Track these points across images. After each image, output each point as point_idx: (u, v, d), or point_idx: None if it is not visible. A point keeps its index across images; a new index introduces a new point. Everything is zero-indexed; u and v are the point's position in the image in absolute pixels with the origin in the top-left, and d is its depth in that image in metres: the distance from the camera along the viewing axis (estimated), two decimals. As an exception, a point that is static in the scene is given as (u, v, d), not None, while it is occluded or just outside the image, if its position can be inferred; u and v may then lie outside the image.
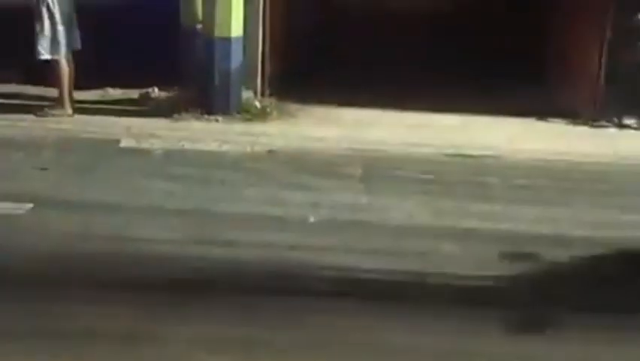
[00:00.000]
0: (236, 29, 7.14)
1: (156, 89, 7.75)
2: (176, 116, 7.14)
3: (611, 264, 4.40)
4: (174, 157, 6.11)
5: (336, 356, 3.23)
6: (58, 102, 7.06)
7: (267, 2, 7.58)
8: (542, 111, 7.72)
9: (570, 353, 3.39)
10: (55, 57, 6.96)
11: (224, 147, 6.40)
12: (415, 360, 3.22)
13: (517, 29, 8.86)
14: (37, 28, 6.90)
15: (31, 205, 4.80)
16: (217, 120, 7.13)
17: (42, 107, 7.10)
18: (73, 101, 7.18)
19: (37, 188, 5.15)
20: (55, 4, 6.91)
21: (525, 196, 5.54)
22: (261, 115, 7.31)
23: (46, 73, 7.16)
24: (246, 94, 7.47)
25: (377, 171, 5.95)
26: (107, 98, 7.55)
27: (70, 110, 7.07)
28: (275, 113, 7.41)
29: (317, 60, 8.59)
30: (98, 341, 3.24)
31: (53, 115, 6.98)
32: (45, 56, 6.93)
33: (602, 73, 7.71)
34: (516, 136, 7.12)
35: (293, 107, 7.58)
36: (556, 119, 7.66)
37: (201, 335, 3.32)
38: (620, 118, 7.59)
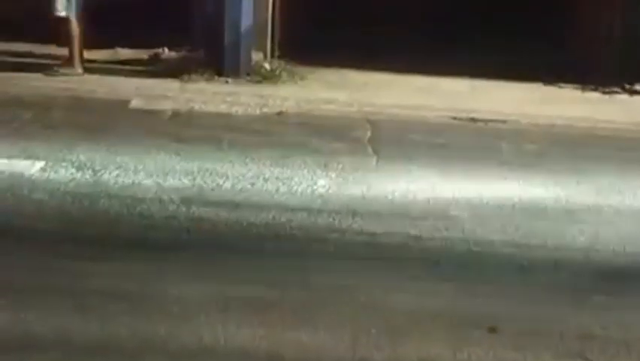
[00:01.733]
0: (247, -13, 7.10)
1: (166, 50, 7.73)
2: (185, 77, 7.13)
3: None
4: (183, 118, 6.12)
5: (342, 316, 3.26)
6: (68, 61, 7.06)
7: (277, -40, 7.52)
8: (552, 76, 7.67)
9: (576, 316, 3.42)
10: (68, 15, 6.95)
11: (234, 109, 6.39)
12: (419, 321, 3.25)
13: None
14: None
15: (41, 164, 4.82)
16: (227, 82, 7.11)
17: (51, 65, 7.09)
18: (83, 61, 7.17)
19: (47, 147, 5.16)
20: None
21: (534, 161, 5.53)
22: (271, 77, 7.29)
23: (55, 31, 7.15)
24: (256, 56, 7.45)
25: (386, 134, 5.95)
26: (116, 58, 7.54)
27: (80, 70, 7.07)
28: (284, 75, 7.39)
29: (328, 22, 8.52)
30: (107, 299, 3.27)
31: (63, 74, 6.98)
32: (61, 13, 6.92)
33: (614, 38, 7.65)
34: (525, 101, 7.09)
35: (303, 69, 7.56)
36: (566, 85, 7.62)
37: (211, 294, 3.35)
38: (631, 84, 7.54)
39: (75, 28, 6.99)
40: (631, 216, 4.63)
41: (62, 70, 7.02)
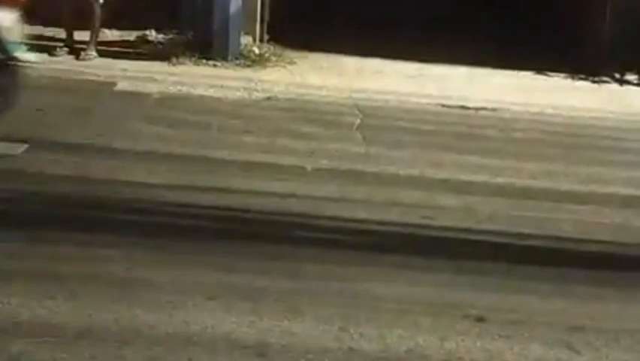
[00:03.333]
0: (236, -29, 7.03)
1: (154, 32, 7.65)
2: (173, 60, 7.06)
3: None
4: (171, 102, 6.07)
5: (331, 305, 3.24)
6: (92, 43, 7.02)
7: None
8: (543, 65, 7.66)
9: (564, 306, 3.42)
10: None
11: (222, 93, 6.34)
12: (407, 310, 3.23)
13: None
14: None
15: (25, 146, 4.76)
16: (215, 65, 7.05)
17: (80, 50, 7.03)
18: (73, 42, 7.09)
19: (33, 129, 5.10)
20: None
21: (522, 150, 5.52)
22: (260, 61, 7.23)
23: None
24: (245, 39, 7.39)
25: (376, 121, 5.92)
26: (104, 39, 7.45)
27: (95, 53, 7.05)
28: (274, 59, 7.33)
29: (318, 6, 8.48)
30: (93, 284, 3.25)
31: (91, 58, 6.96)
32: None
33: (605, 28, 7.64)
34: (516, 89, 7.08)
35: (292, 53, 7.51)
36: (557, 74, 7.61)
37: (197, 281, 3.33)
38: (621, 74, 7.54)
39: (99, 13, 6.95)
40: (620, 206, 4.63)
41: (89, 53, 6.97)
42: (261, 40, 7.59)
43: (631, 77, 7.54)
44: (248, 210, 4.12)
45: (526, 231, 4.15)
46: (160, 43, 7.50)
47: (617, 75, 7.54)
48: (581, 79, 7.53)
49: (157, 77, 6.60)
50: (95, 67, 6.79)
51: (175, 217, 3.99)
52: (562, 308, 3.39)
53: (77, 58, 6.96)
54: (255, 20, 7.55)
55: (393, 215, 4.20)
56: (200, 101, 6.15)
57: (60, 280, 3.25)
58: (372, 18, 8.71)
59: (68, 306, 3.07)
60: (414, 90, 6.76)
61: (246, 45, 7.35)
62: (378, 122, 5.89)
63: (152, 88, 6.32)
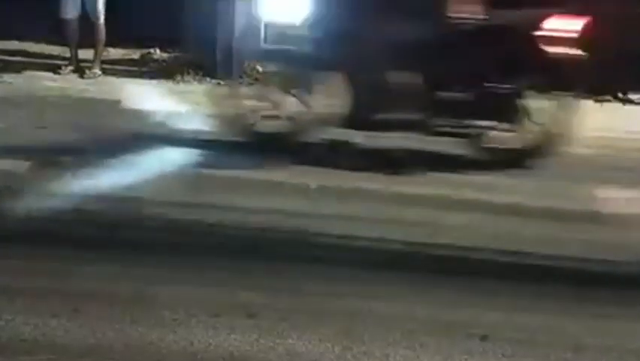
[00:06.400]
0: (239, -11, 7.08)
1: (158, 50, 7.70)
2: (178, 78, 7.10)
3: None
4: (174, 119, 6.09)
5: (334, 323, 3.24)
6: (96, 62, 7.07)
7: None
8: (545, 84, 7.67)
9: (568, 325, 3.41)
10: (100, 20, 7.00)
11: (225, 111, 6.35)
12: (411, 329, 3.23)
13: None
14: None
15: (29, 163, 4.78)
16: (219, 83, 7.08)
17: (85, 68, 7.07)
18: (78, 61, 7.14)
19: (36, 147, 5.12)
20: None
21: (525, 168, 5.52)
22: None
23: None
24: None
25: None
26: (108, 58, 7.50)
27: (100, 71, 7.09)
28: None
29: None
30: (96, 301, 3.25)
31: (95, 76, 7.00)
32: (101, 19, 6.96)
33: (609, 47, 7.65)
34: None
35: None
36: (558, 92, 7.61)
37: (201, 298, 3.33)
38: (624, 93, 7.55)
39: (103, 32, 7.00)
40: (622, 225, 4.63)
41: (94, 70, 7.02)
42: (265, 59, 7.61)
43: (634, 96, 7.55)
44: (250, 228, 4.12)
45: (530, 250, 4.15)
46: (164, 61, 7.55)
47: (620, 94, 7.55)
48: (583, 98, 7.52)
49: (161, 95, 6.63)
50: (100, 85, 6.83)
51: (178, 235, 4.00)
52: (566, 327, 3.39)
53: (82, 76, 7.00)
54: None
55: (398, 233, 4.20)
56: (204, 119, 6.16)
57: (64, 297, 3.25)
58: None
59: (72, 324, 3.07)
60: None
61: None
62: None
63: (156, 106, 6.35)
